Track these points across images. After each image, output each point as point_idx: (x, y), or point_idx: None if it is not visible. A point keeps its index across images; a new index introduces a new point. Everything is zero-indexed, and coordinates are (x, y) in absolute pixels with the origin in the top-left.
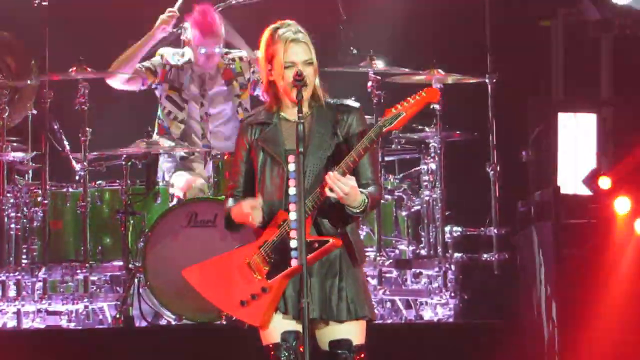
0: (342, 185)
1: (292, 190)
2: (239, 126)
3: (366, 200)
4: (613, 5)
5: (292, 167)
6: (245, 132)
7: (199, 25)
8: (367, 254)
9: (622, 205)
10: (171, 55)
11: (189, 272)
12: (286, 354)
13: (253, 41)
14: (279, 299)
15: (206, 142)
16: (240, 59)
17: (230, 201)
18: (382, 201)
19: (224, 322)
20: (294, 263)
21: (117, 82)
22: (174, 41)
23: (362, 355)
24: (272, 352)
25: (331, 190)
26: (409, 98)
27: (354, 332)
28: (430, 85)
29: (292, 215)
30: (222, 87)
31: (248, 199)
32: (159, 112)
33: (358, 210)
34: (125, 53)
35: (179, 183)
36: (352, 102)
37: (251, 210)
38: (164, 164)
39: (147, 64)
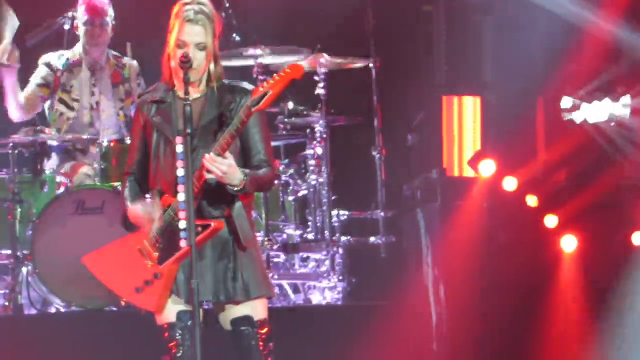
0: (219, 166)
1: (180, 172)
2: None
3: (245, 178)
4: None
5: (179, 148)
6: (141, 109)
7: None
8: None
9: (509, 185)
10: (57, 59)
11: (88, 259)
12: (181, 333)
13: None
14: (172, 283)
15: (94, 130)
16: (131, 67)
17: (128, 184)
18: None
19: (125, 307)
20: (183, 244)
21: (19, 116)
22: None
23: (266, 329)
24: (167, 332)
25: (209, 172)
26: (274, 76)
27: (253, 308)
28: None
29: (181, 197)
30: (109, 85)
31: (145, 205)
32: (50, 116)
33: (238, 189)
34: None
35: (67, 171)
36: (246, 85)
37: (149, 224)
38: (52, 155)
39: (38, 80)
